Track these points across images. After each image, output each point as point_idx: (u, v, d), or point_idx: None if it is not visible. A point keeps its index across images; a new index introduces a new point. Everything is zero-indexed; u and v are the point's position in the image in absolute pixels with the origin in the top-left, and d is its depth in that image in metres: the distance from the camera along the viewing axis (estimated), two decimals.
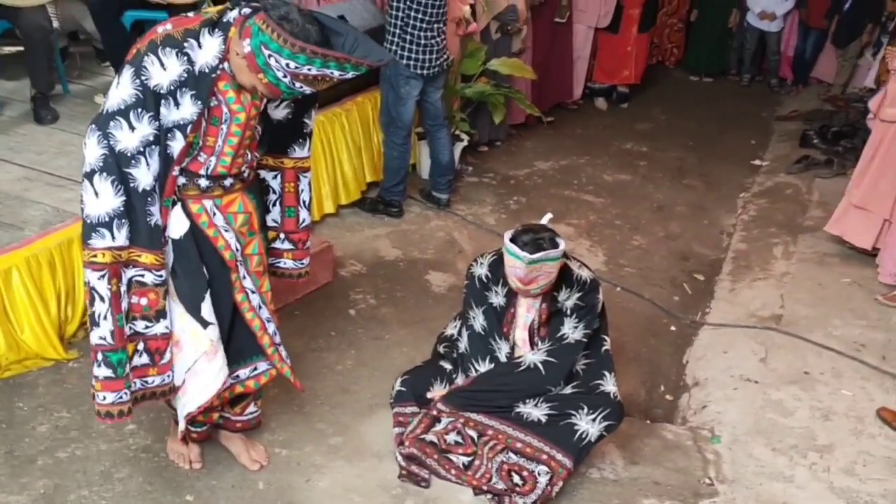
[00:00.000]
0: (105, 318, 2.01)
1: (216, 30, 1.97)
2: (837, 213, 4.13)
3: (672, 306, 3.94)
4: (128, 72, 1.95)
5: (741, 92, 7.32)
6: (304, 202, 2.40)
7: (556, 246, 2.49)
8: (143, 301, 2.07)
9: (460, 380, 2.74)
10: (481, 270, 2.72)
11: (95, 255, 1.97)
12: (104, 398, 2.09)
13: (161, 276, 2.08)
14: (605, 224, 4.67)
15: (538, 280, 2.50)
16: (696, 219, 4.87)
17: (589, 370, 2.66)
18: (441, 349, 2.90)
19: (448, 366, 2.81)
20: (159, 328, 2.12)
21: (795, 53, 7.44)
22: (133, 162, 1.96)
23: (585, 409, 2.53)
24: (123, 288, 2.03)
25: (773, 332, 3.57)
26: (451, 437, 2.60)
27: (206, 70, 1.96)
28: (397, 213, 4.33)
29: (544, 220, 2.67)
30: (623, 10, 6.22)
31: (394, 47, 3.92)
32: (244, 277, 2.26)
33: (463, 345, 2.75)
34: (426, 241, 4.19)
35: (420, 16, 3.86)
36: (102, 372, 2.06)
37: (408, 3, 3.83)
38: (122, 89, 1.95)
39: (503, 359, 2.67)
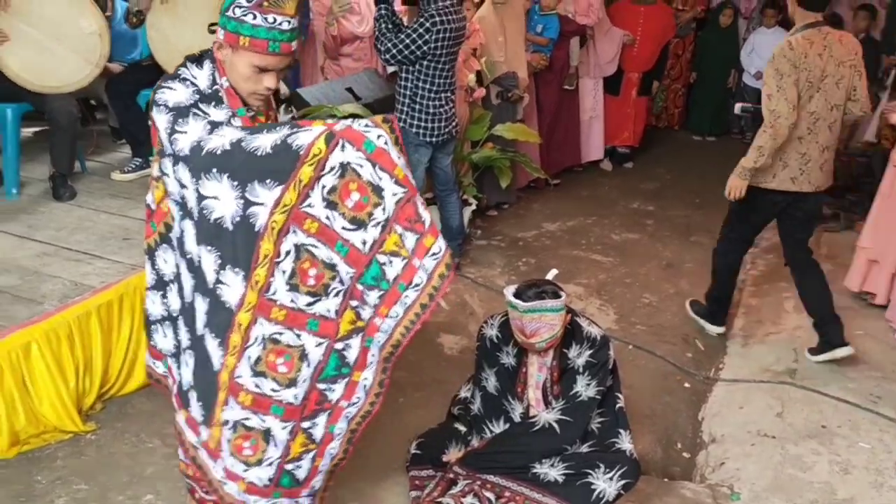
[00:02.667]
0: None
1: (202, 60, 2.02)
2: (854, 266, 4.19)
3: (685, 363, 3.94)
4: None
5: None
6: None
7: (556, 297, 2.52)
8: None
9: (476, 441, 2.74)
10: (491, 332, 2.75)
11: None
12: None
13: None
14: (615, 283, 4.70)
15: (540, 332, 2.53)
16: (705, 275, 4.87)
17: (604, 428, 2.67)
18: (455, 411, 2.91)
19: (463, 428, 2.81)
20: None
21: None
22: None
23: (602, 468, 2.53)
24: None
25: (789, 387, 3.55)
26: (469, 500, 2.59)
27: (209, 92, 1.98)
28: None
29: (549, 276, 2.71)
30: (623, 74, 6.39)
31: (403, 116, 4.03)
32: None
33: (477, 406, 2.76)
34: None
35: (428, 85, 3.97)
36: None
37: (416, 73, 3.95)
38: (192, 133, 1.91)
39: (517, 419, 2.68)
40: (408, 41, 3.80)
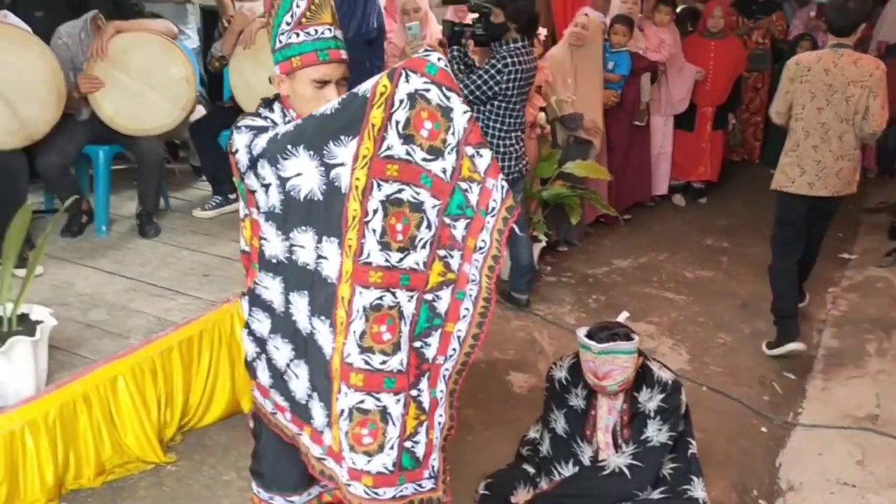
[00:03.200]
0: None
1: (272, 103, 2.12)
2: None
3: (762, 406, 3.84)
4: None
5: None
6: None
7: (629, 339, 2.52)
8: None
9: (544, 484, 2.73)
10: (560, 373, 2.75)
11: None
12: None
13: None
14: (688, 321, 4.62)
15: (613, 375, 2.52)
16: None
17: (676, 474, 2.63)
18: (524, 452, 2.91)
19: (532, 469, 2.81)
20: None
21: (878, 144, 7.33)
22: None
23: None
24: None
25: (871, 433, 3.43)
26: None
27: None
28: None
29: (620, 318, 2.71)
30: (697, 109, 6.34)
31: None
32: None
33: (545, 448, 2.76)
34: (507, 342, 4.23)
35: (499, 124, 4.03)
36: None
37: (487, 112, 4.01)
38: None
39: (587, 462, 2.66)
40: (479, 82, 3.87)
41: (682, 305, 4.82)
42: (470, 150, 1.94)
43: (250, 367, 2.24)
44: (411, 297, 2.00)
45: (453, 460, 3.16)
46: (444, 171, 1.93)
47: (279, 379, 2.17)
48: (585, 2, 5.48)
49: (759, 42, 7.34)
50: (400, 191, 1.93)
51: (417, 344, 2.05)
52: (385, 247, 1.93)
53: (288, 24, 2.01)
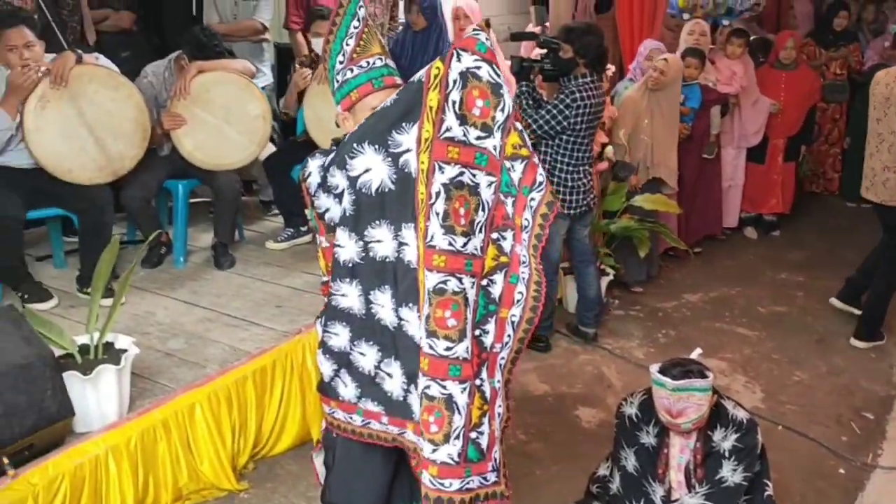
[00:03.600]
0: None
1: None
2: None
3: (839, 447, 3.71)
4: None
5: None
6: None
7: (704, 377, 2.48)
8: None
9: None
10: (631, 410, 2.72)
11: None
12: None
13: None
14: (762, 358, 4.51)
15: (687, 412, 2.48)
16: (861, 352, 4.62)
17: None
18: (594, 489, 2.88)
19: None
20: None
21: None
22: None
23: None
24: None
25: None
26: None
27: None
28: (544, 348, 4.39)
29: (694, 355, 2.67)
30: (769, 141, 6.23)
31: None
32: None
33: (616, 486, 2.72)
34: (574, 376, 4.20)
35: (567, 158, 4.04)
36: None
37: (555, 146, 4.02)
38: None
39: (659, 502, 2.62)
40: (548, 117, 3.90)
41: (756, 341, 4.71)
42: (519, 126, 2.00)
43: (328, 388, 2.28)
44: (473, 283, 2.02)
45: (522, 494, 3.15)
46: (496, 148, 1.98)
47: (370, 385, 2.20)
48: (653, 35, 5.47)
49: (836, 73, 7.20)
50: (461, 174, 1.97)
51: (477, 332, 2.06)
52: (449, 230, 1.96)
53: (341, 62, 2.11)
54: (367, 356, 2.17)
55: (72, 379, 2.73)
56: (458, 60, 1.92)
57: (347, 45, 2.12)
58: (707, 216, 6.03)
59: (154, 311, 3.81)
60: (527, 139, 2.02)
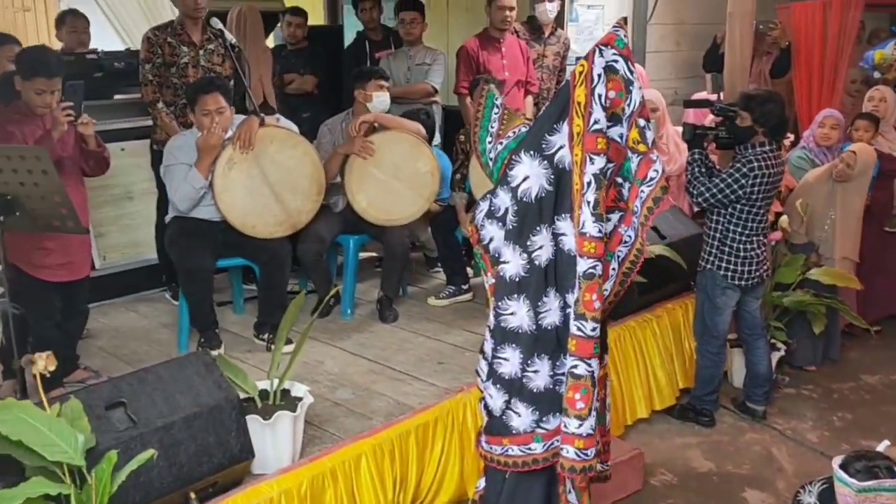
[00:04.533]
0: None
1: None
2: None
3: None
4: None
5: None
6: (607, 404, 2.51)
7: (893, 476, 2.30)
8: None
9: None
10: (810, 499, 2.56)
11: None
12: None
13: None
14: None
15: None
16: None
17: None
18: None
19: None
20: None
21: None
22: None
23: None
24: None
25: None
26: None
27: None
28: (709, 423, 4.22)
29: (881, 448, 2.50)
30: None
31: (711, 258, 3.98)
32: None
33: None
34: (741, 455, 4.00)
35: (740, 228, 3.91)
36: None
37: (728, 216, 3.91)
38: None
39: None
40: (723, 185, 3.80)
41: None
42: (641, 122, 2.15)
43: (499, 425, 2.33)
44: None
45: None
46: (621, 137, 2.13)
47: (550, 398, 2.27)
48: (833, 104, 5.25)
49: None
50: (608, 163, 2.12)
51: None
52: (598, 218, 2.10)
53: (490, 142, 2.28)
54: (541, 372, 2.25)
55: (254, 422, 2.89)
56: (601, 55, 2.07)
57: (492, 127, 2.31)
58: (889, 293, 5.62)
59: (323, 361, 3.98)
60: (647, 136, 2.17)
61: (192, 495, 2.63)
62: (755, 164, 3.77)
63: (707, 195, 3.83)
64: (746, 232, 3.91)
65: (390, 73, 5.40)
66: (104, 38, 5.74)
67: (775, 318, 4.65)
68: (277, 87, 5.41)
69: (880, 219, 5.33)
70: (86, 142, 3.46)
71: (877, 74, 5.83)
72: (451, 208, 4.96)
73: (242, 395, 2.99)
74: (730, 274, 3.96)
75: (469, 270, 5.00)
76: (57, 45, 5.50)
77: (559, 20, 5.45)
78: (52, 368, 2.23)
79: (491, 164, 2.33)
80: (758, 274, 4.01)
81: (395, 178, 4.44)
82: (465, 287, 4.82)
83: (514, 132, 2.29)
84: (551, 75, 5.55)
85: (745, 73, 4.40)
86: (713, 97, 4.24)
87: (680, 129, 5.02)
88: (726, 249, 3.95)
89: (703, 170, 3.92)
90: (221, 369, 2.91)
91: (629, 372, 4.10)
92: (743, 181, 3.77)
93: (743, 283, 3.98)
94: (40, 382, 2.25)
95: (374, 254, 5.49)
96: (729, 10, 4.34)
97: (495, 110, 2.40)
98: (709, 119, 4.20)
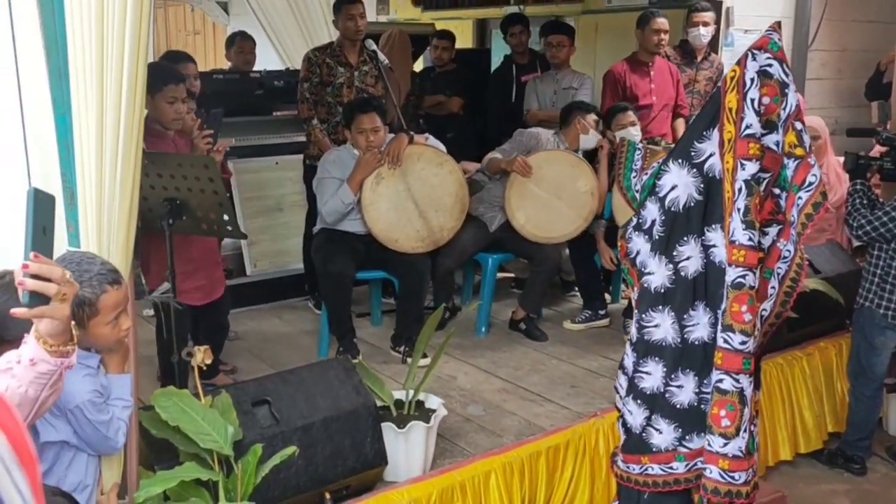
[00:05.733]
0: None
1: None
2: None
3: None
4: None
5: None
6: None
7: None
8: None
9: None
10: None
11: None
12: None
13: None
14: None
15: None
16: None
17: None
18: None
19: None
20: None
21: None
22: None
23: None
24: None
25: None
26: None
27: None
28: (859, 471, 3.95)
29: None
30: None
31: (871, 295, 3.74)
32: None
33: None
34: None
35: None
36: None
37: (891, 252, 3.67)
38: None
39: None
40: (885, 219, 3.58)
41: None
42: (798, 125, 2.08)
43: (639, 443, 2.28)
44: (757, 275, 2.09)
45: None
46: (777, 144, 2.06)
47: (694, 416, 2.20)
48: None
49: None
50: (761, 171, 2.05)
51: None
52: (749, 226, 2.03)
53: (634, 177, 2.30)
54: (685, 388, 2.19)
55: (388, 430, 2.96)
56: (754, 59, 2.03)
57: (636, 165, 2.34)
58: None
59: (456, 376, 4.03)
60: (804, 139, 2.09)
61: (327, 496, 2.72)
62: None
63: (868, 228, 3.62)
64: None
65: (536, 96, 5.45)
66: (268, 59, 6.10)
67: None
68: (414, 108, 5.54)
69: None
70: None
71: None
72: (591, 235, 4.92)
73: (379, 403, 3.07)
74: (890, 313, 3.70)
75: (607, 296, 4.93)
76: (226, 65, 5.90)
77: (713, 45, 5.31)
78: (209, 362, 2.38)
79: (637, 195, 2.31)
80: None
81: (556, 197, 4.44)
82: (602, 313, 4.75)
83: (658, 162, 2.27)
84: (703, 101, 5.41)
85: None
86: (879, 126, 4.00)
87: (841, 158, 4.78)
88: (887, 287, 3.70)
89: (865, 201, 3.70)
90: (360, 376, 3.00)
91: (773, 410, 3.90)
92: None
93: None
94: (198, 375, 2.41)
95: (511, 274, 5.51)
96: None
97: (637, 153, 2.43)
98: (875, 149, 3.96)
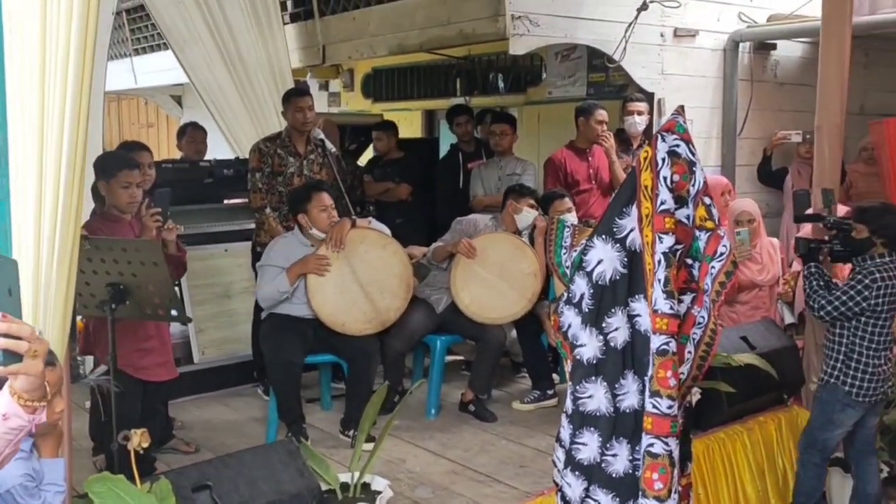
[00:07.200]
0: None
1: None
2: None
3: None
4: None
5: None
6: None
7: None
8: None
9: None
10: None
11: None
12: None
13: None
14: None
15: None
16: None
17: None
18: None
19: None
20: None
21: None
22: None
23: None
24: None
25: None
26: None
27: None
28: None
29: None
30: None
31: (836, 373, 3.78)
32: None
33: None
34: None
35: (865, 342, 3.73)
36: None
37: (852, 329, 3.75)
38: None
39: None
40: (845, 298, 3.69)
41: None
42: (707, 200, 2.26)
43: None
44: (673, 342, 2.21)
45: None
46: (688, 218, 2.23)
47: (629, 484, 2.24)
48: None
49: None
50: (679, 243, 2.21)
51: None
52: (669, 295, 2.16)
53: (564, 254, 2.45)
54: (619, 456, 2.25)
55: None
56: (663, 141, 2.20)
57: (566, 242, 2.48)
58: None
59: (405, 459, 4.01)
60: (713, 213, 2.27)
61: None
62: (877, 275, 3.67)
63: (829, 308, 3.72)
64: (873, 346, 3.75)
65: (481, 182, 5.62)
66: (220, 149, 6.20)
67: (879, 437, 4.40)
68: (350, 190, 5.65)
69: None
70: (167, 246, 3.57)
71: None
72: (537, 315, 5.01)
73: (324, 487, 3.04)
74: (854, 391, 3.78)
75: (555, 377, 4.98)
76: (178, 156, 5.98)
77: (647, 133, 5.57)
78: (145, 445, 2.36)
79: (568, 271, 2.42)
80: (882, 390, 3.82)
81: (500, 278, 4.54)
82: (550, 392, 4.80)
83: (586, 240, 2.38)
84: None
85: (836, 184, 4.36)
86: (823, 212, 4.21)
87: (774, 239, 4.99)
88: (852, 364, 3.77)
89: (822, 283, 3.83)
90: (305, 458, 2.98)
91: (717, 485, 3.94)
92: (866, 293, 3.66)
93: (868, 399, 3.81)
94: (134, 458, 2.39)
95: (460, 357, 5.55)
96: (816, 124, 4.34)
97: (567, 230, 2.58)
98: (823, 233, 4.11)
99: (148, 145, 4.56)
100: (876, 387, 3.77)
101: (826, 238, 3.95)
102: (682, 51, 5.79)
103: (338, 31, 6.35)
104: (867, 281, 3.66)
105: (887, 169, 5.58)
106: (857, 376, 3.76)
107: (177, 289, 4.61)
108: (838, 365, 3.80)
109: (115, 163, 3.58)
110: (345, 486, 3.12)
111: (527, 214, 4.69)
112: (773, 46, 6.19)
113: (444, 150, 6.84)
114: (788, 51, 6.31)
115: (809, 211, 4.30)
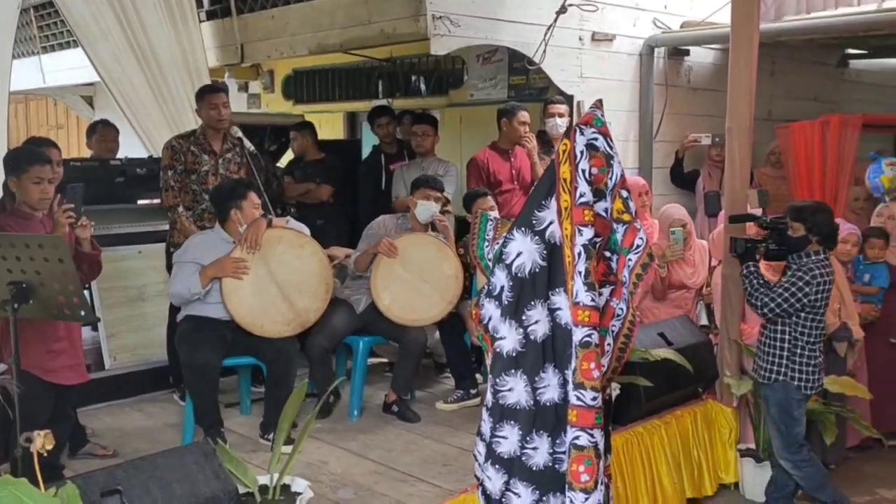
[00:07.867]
0: None
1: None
2: None
3: None
4: None
5: None
6: None
7: None
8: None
9: None
10: None
11: None
12: None
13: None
14: None
15: None
16: None
17: None
18: None
19: None
20: None
21: None
22: None
23: None
24: None
25: None
26: None
27: None
28: None
29: None
30: None
31: (783, 369, 3.89)
32: None
33: None
34: None
35: (805, 337, 3.82)
36: None
37: (793, 325, 3.81)
38: None
39: None
40: (787, 294, 3.78)
41: None
42: (624, 193, 2.28)
43: None
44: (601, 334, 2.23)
45: None
46: (606, 211, 2.25)
47: (550, 477, 2.25)
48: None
49: None
50: (599, 236, 2.22)
51: None
52: (590, 287, 2.17)
53: (486, 247, 2.46)
54: (539, 449, 2.25)
55: None
56: (582, 134, 2.22)
57: (488, 236, 2.49)
58: None
59: (327, 461, 3.95)
60: (630, 206, 2.29)
61: None
62: (816, 271, 3.78)
63: (772, 305, 3.81)
64: (812, 339, 3.86)
65: (404, 183, 5.59)
66: (132, 148, 6.00)
67: None
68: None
69: (886, 333, 5.29)
70: (80, 244, 3.48)
71: (888, 199, 5.92)
72: (458, 315, 5.02)
73: (242, 490, 2.96)
74: (803, 385, 3.87)
75: (478, 376, 4.99)
76: (87, 155, 5.77)
77: (568, 134, 5.64)
78: (49, 447, 2.25)
79: (490, 264, 2.42)
80: (819, 382, 3.96)
81: (421, 279, 4.52)
82: (473, 392, 4.81)
83: (506, 233, 2.38)
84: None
85: (745, 186, 4.50)
86: (758, 212, 4.33)
87: (704, 242, 5.10)
88: (796, 359, 3.87)
89: (762, 281, 3.93)
90: (221, 460, 2.89)
91: (635, 479, 4.01)
92: (807, 289, 3.77)
93: (812, 391, 3.93)
94: (37, 462, 2.27)
95: (383, 359, 5.51)
96: (727, 126, 4.48)
97: (490, 223, 2.58)
98: (757, 232, 4.23)
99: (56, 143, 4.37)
100: (815, 379, 3.91)
101: (760, 237, 4.06)
102: (600, 54, 5.90)
103: (256, 29, 6.24)
104: (807, 277, 3.79)
105: (794, 172, 5.82)
106: (804, 370, 3.88)
107: (87, 292, 4.44)
108: (783, 361, 3.90)
109: (25, 158, 3.46)
110: (264, 489, 3.04)
111: (422, 208, 4.66)
112: (687, 52, 6.38)
113: (366, 151, 6.79)
114: (701, 57, 6.51)
115: (736, 212, 4.38)
